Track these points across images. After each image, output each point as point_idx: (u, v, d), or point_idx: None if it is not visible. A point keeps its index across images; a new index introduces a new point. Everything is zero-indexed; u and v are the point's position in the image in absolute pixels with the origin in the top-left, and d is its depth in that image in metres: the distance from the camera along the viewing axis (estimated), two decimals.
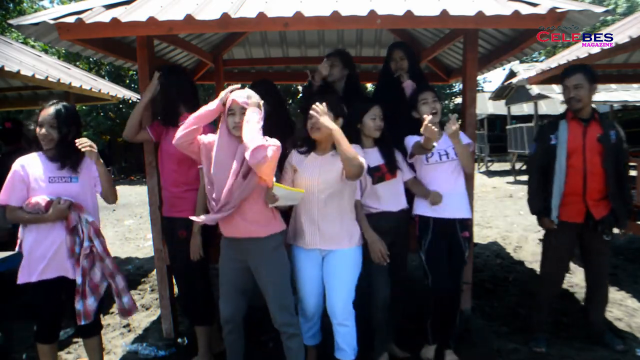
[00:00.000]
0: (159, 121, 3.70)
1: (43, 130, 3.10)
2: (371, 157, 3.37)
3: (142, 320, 4.77)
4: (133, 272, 6.53)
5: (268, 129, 2.91)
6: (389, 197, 3.44)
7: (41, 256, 3.08)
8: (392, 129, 3.50)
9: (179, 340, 4.17)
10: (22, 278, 3.11)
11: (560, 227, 3.70)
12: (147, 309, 5.03)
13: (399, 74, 3.98)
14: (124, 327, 4.64)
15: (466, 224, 3.56)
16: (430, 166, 3.54)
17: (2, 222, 5.32)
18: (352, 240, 3.15)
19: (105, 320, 4.83)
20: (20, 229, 3.16)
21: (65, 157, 3.13)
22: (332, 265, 3.12)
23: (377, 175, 3.37)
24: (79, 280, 3.14)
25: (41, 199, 3.03)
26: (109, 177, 3.30)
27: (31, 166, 3.09)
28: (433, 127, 3.10)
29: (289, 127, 3.89)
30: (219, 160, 2.90)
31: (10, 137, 5.21)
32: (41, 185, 3.07)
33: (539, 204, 3.83)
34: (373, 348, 3.56)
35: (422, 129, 3.12)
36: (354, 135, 3.30)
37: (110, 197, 3.35)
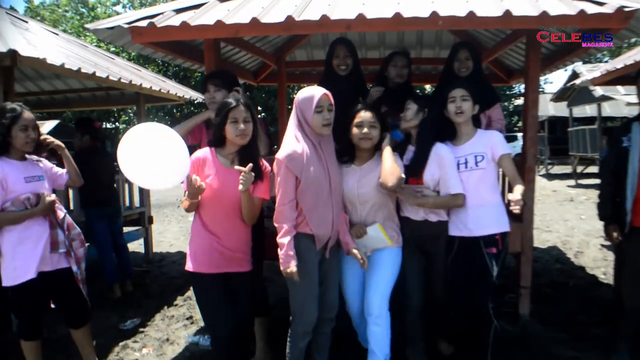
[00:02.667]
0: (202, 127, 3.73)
1: (32, 134, 3.19)
2: (409, 155, 3.30)
3: None
4: None
5: None
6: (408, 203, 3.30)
7: (31, 252, 3.15)
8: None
9: None
10: (15, 279, 3.13)
11: (632, 233, 3.48)
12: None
13: (463, 74, 3.88)
14: (187, 319, 4.83)
15: (492, 240, 3.21)
16: None
17: (77, 215, 5.65)
18: (395, 241, 3.18)
19: (169, 312, 5.05)
20: None
21: (38, 156, 3.36)
22: (374, 262, 3.15)
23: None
24: (75, 268, 3.32)
25: (30, 194, 3.16)
26: (73, 165, 3.53)
27: (5, 169, 3.13)
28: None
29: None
30: (314, 177, 2.85)
31: (94, 135, 5.50)
32: (18, 186, 3.14)
33: (608, 209, 3.65)
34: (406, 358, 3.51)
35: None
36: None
37: (77, 181, 3.58)
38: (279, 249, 2.82)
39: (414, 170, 3.19)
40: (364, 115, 3.06)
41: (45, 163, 3.45)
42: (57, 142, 3.43)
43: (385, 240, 3.09)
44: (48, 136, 3.41)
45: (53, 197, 3.27)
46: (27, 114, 3.18)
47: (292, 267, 2.77)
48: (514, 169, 3.21)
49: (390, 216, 3.21)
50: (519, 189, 2.99)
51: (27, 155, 3.31)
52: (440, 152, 3.18)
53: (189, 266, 2.98)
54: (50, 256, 3.24)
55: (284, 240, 2.80)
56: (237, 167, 2.77)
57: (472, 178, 3.20)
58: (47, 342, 4.22)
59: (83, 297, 3.40)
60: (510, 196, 2.93)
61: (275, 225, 2.85)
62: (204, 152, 2.96)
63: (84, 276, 3.41)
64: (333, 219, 2.95)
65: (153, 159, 2.61)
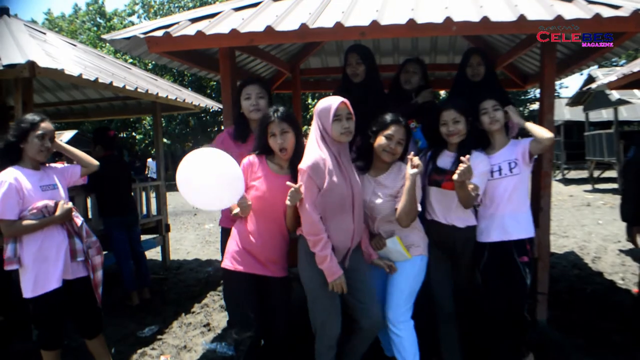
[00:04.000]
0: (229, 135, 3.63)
1: (48, 144, 3.21)
2: (445, 159, 3.26)
3: (221, 320, 4.97)
4: (213, 273, 6.82)
5: None
6: (438, 208, 3.28)
7: (52, 262, 3.15)
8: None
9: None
10: (35, 290, 3.12)
11: None
12: (225, 309, 5.22)
13: (476, 80, 3.90)
14: (204, 326, 4.85)
15: (523, 248, 3.23)
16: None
17: (95, 223, 5.71)
18: (415, 250, 3.15)
19: (187, 319, 5.08)
20: (11, 245, 3.13)
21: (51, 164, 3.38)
22: (397, 270, 3.14)
23: (437, 178, 3.20)
24: (92, 275, 3.34)
25: (48, 202, 3.16)
26: (78, 151, 3.54)
27: (22, 178, 3.12)
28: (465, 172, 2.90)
29: None
30: (335, 188, 2.83)
31: (109, 144, 5.57)
32: (35, 195, 3.14)
33: (631, 210, 3.66)
34: None
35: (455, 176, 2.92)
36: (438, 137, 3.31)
37: (91, 165, 3.57)
38: (320, 262, 2.81)
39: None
40: (396, 129, 3.02)
41: (56, 167, 3.47)
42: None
43: (403, 253, 3.07)
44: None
45: (70, 204, 3.28)
46: (47, 124, 3.21)
47: (342, 277, 2.81)
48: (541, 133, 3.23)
49: (416, 226, 3.17)
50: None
51: (40, 165, 3.33)
52: (479, 158, 3.19)
53: (225, 264, 3.06)
54: (70, 265, 3.24)
55: (325, 252, 2.78)
56: (289, 183, 2.81)
57: (506, 185, 3.23)
58: (66, 351, 4.27)
59: (97, 307, 3.40)
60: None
61: (309, 237, 2.82)
62: (252, 157, 3.04)
63: (100, 283, 3.41)
64: (354, 230, 2.91)
65: (212, 181, 2.78)
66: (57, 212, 3.17)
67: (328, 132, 2.84)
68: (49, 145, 3.22)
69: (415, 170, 2.85)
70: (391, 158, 3.05)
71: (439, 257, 3.29)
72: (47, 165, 3.38)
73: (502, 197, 3.23)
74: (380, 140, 3.03)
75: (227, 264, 3.04)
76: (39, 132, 3.15)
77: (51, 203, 3.18)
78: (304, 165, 2.79)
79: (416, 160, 2.87)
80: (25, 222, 3.08)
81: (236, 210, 2.98)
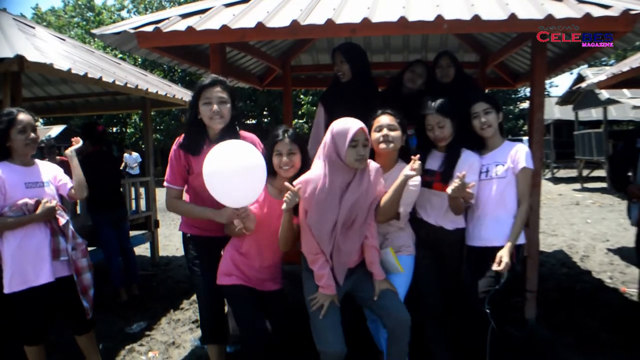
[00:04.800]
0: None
1: (32, 135, 3.13)
2: (435, 160, 3.20)
3: None
4: None
5: None
6: (429, 209, 3.23)
7: (32, 260, 3.10)
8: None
9: None
10: (15, 285, 3.08)
11: None
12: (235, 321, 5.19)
13: (445, 81, 3.93)
14: (193, 322, 4.83)
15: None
16: None
17: (84, 219, 5.68)
18: (406, 250, 3.14)
19: (175, 315, 5.06)
20: None
21: (51, 159, 3.30)
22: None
23: (427, 179, 3.12)
24: (75, 277, 3.25)
25: (28, 199, 3.09)
26: (80, 174, 3.43)
27: (5, 174, 3.06)
28: (460, 187, 2.83)
29: None
30: (317, 209, 2.76)
31: (97, 139, 5.52)
32: (18, 192, 3.07)
33: (624, 177, 3.75)
34: None
35: (449, 190, 2.87)
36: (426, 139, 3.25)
37: (84, 192, 3.45)
38: (317, 279, 2.80)
39: (444, 177, 3.09)
40: (382, 118, 3.01)
41: (52, 166, 3.42)
42: (70, 152, 3.48)
43: (396, 266, 3.03)
44: (77, 139, 3.52)
45: (54, 203, 3.21)
46: (23, 116, 3.12)
47: (333, 296, 2.80)
48: (525, 187, 3.11)
49: (403, 228, 3.16)
50: (507, 247, 3.00)
51: (37, 160, 3.27)
52: (469, 158, 3.15)
53: (222, 281, 3.00)
54: (52, 264, 3.18)
55: (323, 271, 2.78)
56: (285, 183, 2.71)
57: (491, 187, 3.14)
58: (54, 346, 4.25)
59: (82, 307, 3.32)
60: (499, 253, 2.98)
61: (308, 256, 2.82)
62: None
63: (88, 285, 3.34)
64: (331, 254, 2.82)
65: (240, 174, 2.65)
66: (38, 211, 3.10)
67: (341, 156, 2.73)
68: (34, 136, 3.14)
69: (410, 172, 2.76)
70: (389, 147, 2.98)
71: (426, 257, 3.26)
72: (45, 160, 3.33)
73: (487, 201, 3.14)
74: (373, 135, 3.01)
75: (225, 280, 2.99)
76: (19, 126, 3.08)
77: (31, 201, 3.11)
78: (300, 179, 2.77)
79: (417, 164, 2.78)
80: (4, 219, 3.03)
81: (239, 226, 2.84)
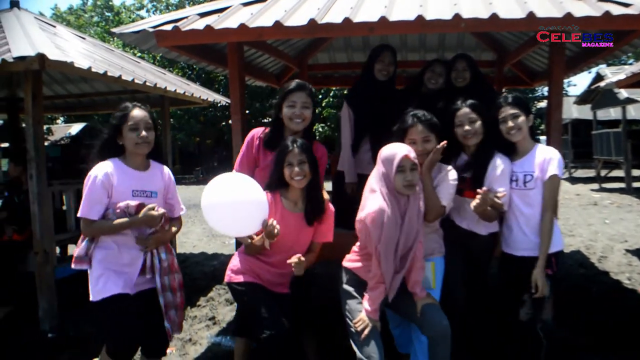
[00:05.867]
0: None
1: (143, 133, 2.78)
2: (464, 164, 3.16)
3: (226, 313, 5.00)
4: (218, 267, 6.84)
5: None
6: (464, 214, 3.17)
7: (122, 270, 2.83)
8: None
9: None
10: (100, 293, 2.76)
11: None
12: (231, 303, 5.22)
13: (460, 84, 3.95)
14: (210, 319, 4.87)
15: (547, 260, 2.96)
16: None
17: None
18: (438, 252, 3.11)
19: (192, 312, 5.10)
20: (85, 243, 2.80)
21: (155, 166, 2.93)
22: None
23: (458, 187, 3.04)
24: (161, 299, 2.93)
25: (130, 201, 2.78)
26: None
27: (115, 176, 2.75)
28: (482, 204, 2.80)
29: None
30: (389, 234, 2.71)
31: None
32: (123, 198, 2.77)
33: None
34: None
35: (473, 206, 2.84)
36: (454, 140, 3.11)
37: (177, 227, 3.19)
38: (369, 300, 2.80)
39: (474, 183, 3.01)
40: (416, 130, 2.93)
41: (167, 179, 3.03)
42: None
43: (430, 281, 3.01)
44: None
45: (161, 211, 2.86)
46: (137, 112, 2.81)
47: (378, 317, 2.81)
48: (551, 195, 2.98)
49: (437, 228, 3.13)
50: (539, 267, 2.90)
51: (153, 163, 2.96)
52: (499, 164, 3.03)
53: (236, 278, 3.02)
54: (137, 278, 2.89)
55: (379, 299, 2.79)
56: (292, 261, 2.77)
57: (520, 197, 3.03)
58: (71, 342, 4.33)
59: (163, 325, 2.95)
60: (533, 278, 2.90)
61: (370, 280, 2.81)
62: (270, 195, 2.94)
63: (171, 303, 2.99)
64: (391, 278, 2.81)
65: (235, 207, 2.74)
66: (141, 214, 2.76)
67: (391, 181, 2.74)
68: (145, 134, 2.79)
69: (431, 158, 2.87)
70: (424, 159, 2.91)
71: (455, 258, 3.20)
72: (162, 168, 3.01)
73: (516, 210, 3.04)
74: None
75: (239, 278, 3.01)
76: (130, 123, 2.77)
77: (133, 203, 2.78)
78: (363, 215, 2.73)
79: (440, 145, 2.85)
80: (103, 222, 2.74)
81: (260, 241, 2.87)
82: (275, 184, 2.95)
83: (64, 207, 5.58)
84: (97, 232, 2.77)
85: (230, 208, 2.75)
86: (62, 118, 26.10)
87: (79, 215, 2.75)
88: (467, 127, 3.05)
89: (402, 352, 3.34)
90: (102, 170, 2.73)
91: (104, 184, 2.70)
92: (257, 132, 3.33)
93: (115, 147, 2.84)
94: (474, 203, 2.80)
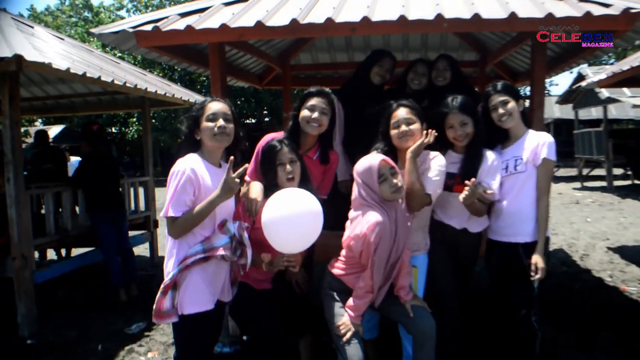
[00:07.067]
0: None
1: (221, 122, 2.54)
2: (452, 161, 3.10)
3: None
4: None
5: None
6: (453, 212, 3.15)
7: (219, 283, 2.66)
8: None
9: (244, 337, 4.29)
10: (197, 306, 2.52)
11: None
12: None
13: (440, 84, 3.98)
14: None
15: (532, 249, 3.02)
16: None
17: (82, 219, 5.68)
18: (423, 249, 3.12)
19: None
20: (170, 294, 2.50)
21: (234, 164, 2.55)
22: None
23: (447, 182, 3.04)
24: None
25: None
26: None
27: (201, 169, 2.52)
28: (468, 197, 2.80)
29: None
30: (384, 245, 2.70)
31: (93, 139, 5.51)
32: (208, 195, 2.50)
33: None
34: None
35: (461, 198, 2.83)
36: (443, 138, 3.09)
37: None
38: (353, 307, 2.80)
39: (464, 179, 2.91)
40: (399, 113, 2.95)
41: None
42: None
43: (412, 286, 3.01)
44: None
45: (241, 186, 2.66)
46: (215, 104, 2.60)
47: (358, 326, 2.80)
48: (546, 180, 3.04)
49: (425, 225, 3.14)
50: (538, 250, 2.96)
51: (221, 163, 2.73)
52: (489, 160, 3.06)
53: None
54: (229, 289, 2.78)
55: (365, 306, 2.80)
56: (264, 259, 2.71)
57: (512, 183, 3.07)
58: (51, 347, 4.25)
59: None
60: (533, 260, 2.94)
61: (359, 289, 2.78)
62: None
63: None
64: (380, 286, 2.81)
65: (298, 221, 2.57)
66: (218, 189, 2.47)
67: (376, 193, 2.70)
68: (224, 124, 2.55)
69: (414, 148, 2.85)
70: (411, 141, 2.90)
71: (441, 255, 3.19)
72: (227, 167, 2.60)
73: (507, 195, 3.08)
74: (392, 132, 2.97)
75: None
76: (209, 113, 2.56)
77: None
78: (363, 230, 2.68)
79: (431, 135, 2.85)
80: (186, 214, 2.45)
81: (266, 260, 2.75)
82: (272, 186, 2.84)
83: (43, 211, 5.47)
84: (184, 227, 2.47)
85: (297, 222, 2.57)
86: (40, 120, 25.72)
87: (162, 215, 2.51)
88: (459, 132, 3.03)
89: (365, 338, 3.26)
90: (189, 165, 2.48)
91: (191, 180, 2.46)
92: (271, 138, 3.16)
93: (194, 142, 2.62)
94: (463, 195, 2.81)
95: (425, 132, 2.88)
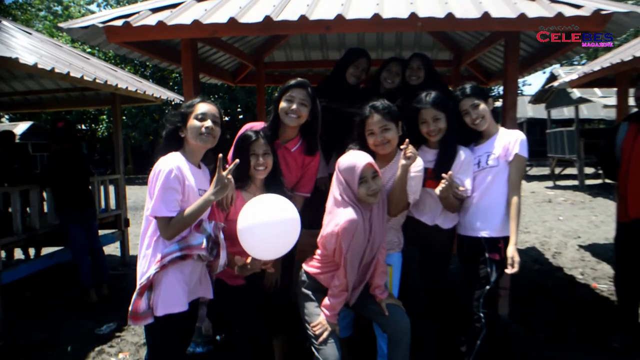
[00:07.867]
0: None
1: (209, 123, 2.54)
2: (426, 156, 3.10)
3: None
4: None
5: None
6: (425, 208, 3.18)
7: (193, 283, 2.63)
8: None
9: (217, 337, 4.25)
10: (171, 307, 2.48)
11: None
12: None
13: (414, 83, 3.98)
14: None
15: (495, 245, 3.09)
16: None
17: (51, 218, 5.55)
18: (396, 247, 3.13)
19: None
20: (145, 295, 2.48)
21: (213, 165, 2.59)
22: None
23: None
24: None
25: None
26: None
27: (185, 168, 2.51)
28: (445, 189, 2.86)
29: None
30: (357, 244, 2.70)
31: (59, 136, 5.38)
32: (191, 198, 2.50)
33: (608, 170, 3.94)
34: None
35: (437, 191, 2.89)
36: (417, 134, 3.11)
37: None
38: (324, 304, 2.80)
39: (437, 174, 2.98)
40: (373, 120, 2.91)
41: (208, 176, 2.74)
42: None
43: (387, 285, 3.01)
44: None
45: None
46: (205, 105, 2.59)
47: (335, 325, 2.79)
48: (517, 176, 3.08)
49: (399, 223, 3.14)
50: (512, 243, 2.99)
51: (200, 164, 2.69)
52: (462, 156, 3.09)
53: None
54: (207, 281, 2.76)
55: (340, 306, 2.78)
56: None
57: (483, 177, 3.11)
58: (20, 350, 4.14)
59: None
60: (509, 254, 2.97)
61: (334, 288, 2.77)
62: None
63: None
64: (355, 287, 2.82)
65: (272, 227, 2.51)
66: (211, 188, 2.47)
67: (354, 192, 2.69)
68: (211, 125, 2.54)
69: (406, 161, 2.77)
70: (388, 148, 2.93)
71: (414, 253, 3.22)
72: (206, 170, 2.72)
73: (477, 190, 3.12)
74: (368, 140, 2.95)
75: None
76: (198, 112, 2.55)
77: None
78: (334, 228, 2.66)
79: (410, 150, 2.75)
80: (179, 215, 2.43)
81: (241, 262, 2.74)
82: (243, 177, 2.85)
83: (10, 209, 5.33)
84: (179, 227, 2.44)
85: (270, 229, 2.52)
86: (7, 117, 25.15)
87: (150, 215, 2.44)
88: (431, 128, 3.05)
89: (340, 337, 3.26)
90: (174, 163, 2.46)
91: (178, 178, 2.43)
92: (249, 127, 3.14)
93: (177, 140, 2.60)
94: (439, 188, 2.83)
95: (402, 146, 2.82)
